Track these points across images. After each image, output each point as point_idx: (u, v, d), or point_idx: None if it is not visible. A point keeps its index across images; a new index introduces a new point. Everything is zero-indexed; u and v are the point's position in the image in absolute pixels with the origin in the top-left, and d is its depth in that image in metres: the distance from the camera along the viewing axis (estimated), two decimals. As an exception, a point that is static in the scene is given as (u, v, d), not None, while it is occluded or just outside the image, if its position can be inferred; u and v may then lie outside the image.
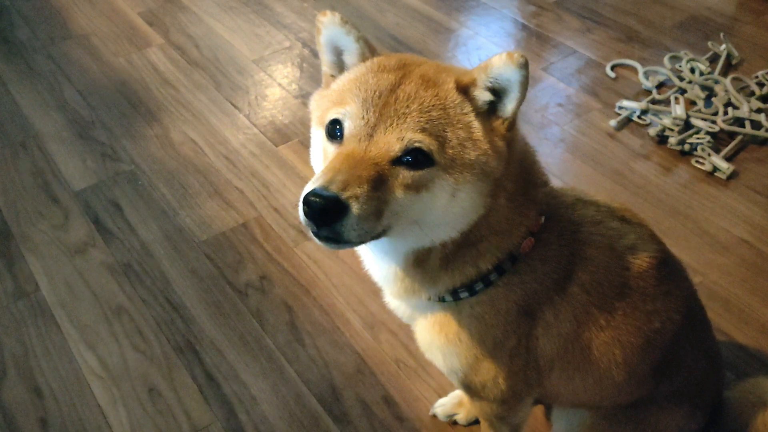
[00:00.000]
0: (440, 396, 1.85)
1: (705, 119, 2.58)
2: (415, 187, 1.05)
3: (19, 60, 3.18)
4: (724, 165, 2.42)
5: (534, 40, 3.18)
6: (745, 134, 2.55)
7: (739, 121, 2.60)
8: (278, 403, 1.87)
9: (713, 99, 2.69)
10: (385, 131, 1.04)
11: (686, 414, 1.48)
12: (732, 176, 2.43)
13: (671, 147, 2.54)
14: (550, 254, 1.22)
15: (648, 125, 2.65)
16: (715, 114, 2.62)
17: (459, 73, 1.12)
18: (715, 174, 2.43)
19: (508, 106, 1.08)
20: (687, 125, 2.59)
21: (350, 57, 1.19)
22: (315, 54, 3.13)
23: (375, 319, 2.05)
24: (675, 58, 2.93)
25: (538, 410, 1.80)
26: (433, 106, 1.06)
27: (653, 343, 1.31)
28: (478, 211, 1.11)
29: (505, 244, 1.17)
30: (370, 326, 2.04)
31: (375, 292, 1.85)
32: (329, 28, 1.16)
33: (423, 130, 1.04)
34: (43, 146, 2.71)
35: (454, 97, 1.08)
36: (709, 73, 2.82)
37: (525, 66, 1.03)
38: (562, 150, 2.60)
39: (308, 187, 1.01)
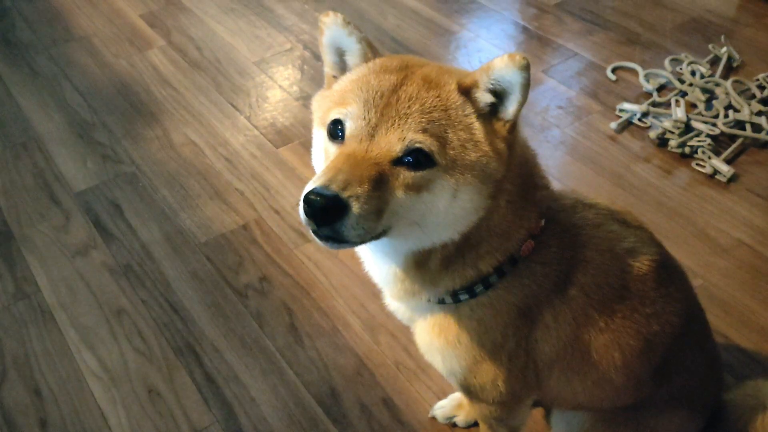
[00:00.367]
0: (440, 398, 1.85)
1: (706, 122, 2.59)
2: (415, 188, 1.05)
3: (21, 61, 3.18)
4: (724, 168, 2.42)
5: (535, 43, 3.18)
6: (745, 137, 2.55)
7: (740, 124, 2.60)
8: (277, 405, 1.87)
9: (714, 102, 2.69)
10: (387, 131, 1.05)
11: (685, 417, 1.48)
12: (732, 179, 2.43)
13: (672, 150, 2.54)
14: (550, 257, 1.22)
15: (648, 128, 2.66)
16: (716, 117, 2.62)
17: (461, 75, 1.12)
18: (716, 177, 2.44)
19: (510, 108, 1.09)
20: (687, 128, 2.59)
21: (352, 58, 1.19)
22: (316, 56, 3.14)
23: (375, 322, 2.05)
24: (676, 61, 2.94)
25: (538, 413, 1.80)
26: (434, 107, 1.07)
27: (652, 345, 1.31)
28: (478, 212, 1.11)
29: (505, 246, 1.17)
30: (369, 328, 2.04)
31: (375, 294, 1.85)
32: (332, 29, 1.17)
33: (424, 131, 1.04)
34: (44, 147, 2.71)
35: (456, 98, 1.09)
36: (709, 75, 2.83)
37: (526, 68, 1.03)
38: (562, 152, 2.60)
39: (309, 186, 1.01)
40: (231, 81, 3.04)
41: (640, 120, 2.68)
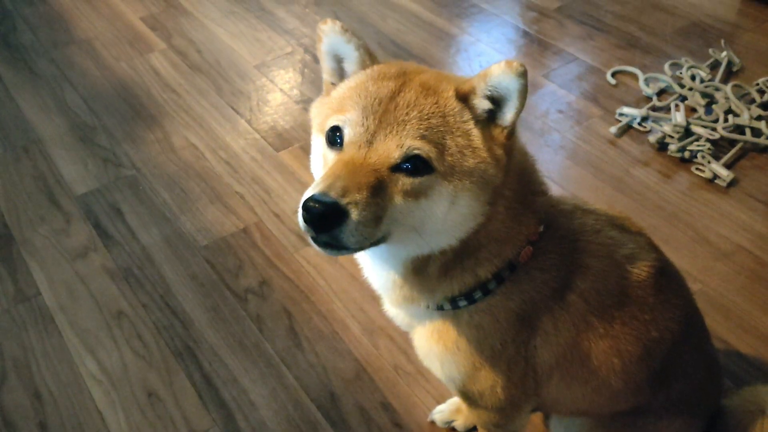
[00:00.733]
0: (438, 402, 1.85)
1: (705, 126, 2.59)
2: (414, 194, 1.05)
3: (22, 64, 3.19)
4: (724, 172, 2.42)
5: (535, 47, 3.18)
6: (745, 142, 2.55)
7: (740, 129, 2.60)
8: (277, 409, 1.87)
9: (713, 106, 2.69)
10: (385, 138, 1.05)
11: (684, 422, 1.48)
12: (732, 184, 2.43)
13: (671, 154, 2.54)
14: (548, 263, 1.23)
15: (648, 132, 2.66)
16: (716, 121, 2.62)
17: (459, 82, 1.12)
18: (715, 181, 2.44)
19: (507, 115, 1.09)
20: (687, 132, 2.59)
21: (350, 65, 1.19)
22: (316, 59, 3.14)
23: (374, 325, 2.05)
24: (676, 65, 2.94)
25: (537, 418, 1.80)
26: (432, 113, 1.07)
27: (652, 352, 1.31)
28: (476, 218, 1.11)
29: (503, 252, 1.17)
30: (369, 332, 2.04)
31: (374, 298, 1.84)
32: (330, 36, 1.17)
33: (422, 138, 1.05)
34: (45, 150, 2.72)
35: (454, 105, 1.09)
36: (709, 80, 2.83)
37: (524, 75, 1.03)
38: (562, 156, 2.60)
39: (308, 193, 1.01)
40: (231, 84, 3.04)
41: (639, 124, 2.69)
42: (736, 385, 1.82)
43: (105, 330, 2.08)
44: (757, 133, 2.59)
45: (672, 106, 2.69)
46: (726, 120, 2.61)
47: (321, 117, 1.17)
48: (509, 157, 1.12)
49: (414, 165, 1.04)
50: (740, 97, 2.72)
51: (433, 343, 1.28)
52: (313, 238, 1.03)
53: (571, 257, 1.24)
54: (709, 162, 2.47)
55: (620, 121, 2.70)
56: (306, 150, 2.64)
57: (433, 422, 1.81)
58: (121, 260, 2.28)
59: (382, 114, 1.06)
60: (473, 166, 1.07)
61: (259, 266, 2.24)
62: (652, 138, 2.60)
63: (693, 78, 2.84)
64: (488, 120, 1.11)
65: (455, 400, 1.80)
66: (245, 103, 2.93)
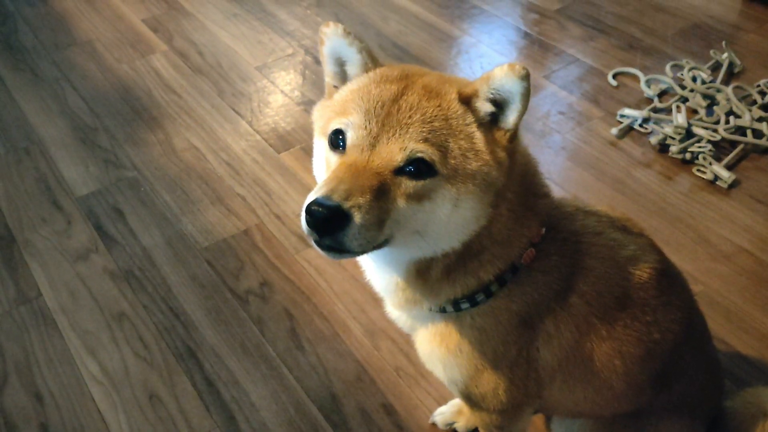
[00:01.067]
0: (440, 404, 1.85)
1: (706, 128, 2.59)
2: (417, 197, 1.05)
3: (24, 66, 3.19)
4: (725, 174, 2.42)
5: (536, 48, 3.18)
6: (746, 143, 2.55)
7: (741, 130, 2.60)
8: (278, 410, 1.87)
9: (715, 108, 2.69)
10: (388, 141, 1.05)
11: (686, 424, 1.48)
12: (733, 185, 2.43)
13: (673, 155, 2.54)
14: (551, 265, 1.23)
15: (649, 133, 2.66)
16: (717, 123, 2.62)
17: (461, 84, 1.12)
18: (717, 183, 2.44)
19: (510, 118, 1.09)
20: (688, 134, 2.59)
21: (353, 68, 1.19)
22: (318, 61, 3.14)
23: (375, 327, 2.05)
24: (677, 67, 2.94)
25: (538, 419, 1.80)
26: (435, 116, 1.07)
27: (653, 353, 1.31)
28: (479, 221, 1.11)
29: (506, 254, 1.17)
30: (370, 334, 2.04)
31: (375, 299, 1.85)
32: (332, 39, 1.17)
33: (425, 141, 1.05)
34: (47, 152, 2.72)
35: (457, 107, 1.09)
36: (710, 81, 2.83)
37: (526, 78, 1.03)
38: (563, 158, 2.60)
39: (311, 197, 1.01)
40: (233, 86, 3.04)
41: (641, 126, 2.69)
42: (737, 386, 1.82)
43: (106, 331, 2.08)
44: (758, 134, 2.59)
45: (673, 107, 2.69)
46: (727, 121, 2.61)
47: (323, 120, 1.17)
48: (512, 159, 1.12)
49: (417, 168, 1.04)
50: (741, 99, 2.72)
51: (435, 346, 1.28)
52: (316, 241, 1.03)
53: (573, 259, 1.25)
54: (710, 163, 2.47)
55: (621, 123, 2.71)
56: (307, 151, 2.65)
57: (434, 424, 1.81)
58: (122, 262, 2.28)
59: (385, 117, 1.06)
60: (476, 168, 1.07)
61: (260, 268, 2.25)
62: (654, 139, 2.60)
63: (694, 79, 2.84)
64: (491, 123, 1.11)
65: (457, 402, 1.80)
66: (246, 105, 2.94)
